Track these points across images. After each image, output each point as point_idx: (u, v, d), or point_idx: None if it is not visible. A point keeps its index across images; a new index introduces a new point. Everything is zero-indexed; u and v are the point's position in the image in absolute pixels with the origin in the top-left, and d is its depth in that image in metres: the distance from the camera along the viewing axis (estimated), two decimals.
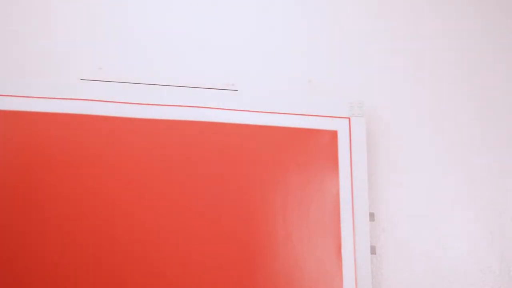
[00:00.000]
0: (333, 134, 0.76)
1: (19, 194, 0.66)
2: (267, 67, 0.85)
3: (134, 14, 0.85)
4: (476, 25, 0.94)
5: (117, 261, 0.66)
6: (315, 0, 0.91)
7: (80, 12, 0.83)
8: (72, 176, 0.68)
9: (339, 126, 0.77)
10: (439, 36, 0.92)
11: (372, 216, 0.76)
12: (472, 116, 0.87)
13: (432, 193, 0.82)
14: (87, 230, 0.67)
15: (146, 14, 0.85)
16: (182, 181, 0.71)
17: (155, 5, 0.86)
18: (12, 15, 0.81)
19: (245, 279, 0.67)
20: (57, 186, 0.68)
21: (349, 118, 0.77)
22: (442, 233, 0.80)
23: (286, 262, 0.69)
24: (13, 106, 0.70)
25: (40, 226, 0.66)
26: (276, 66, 0.86)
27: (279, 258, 0.69)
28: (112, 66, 0.81)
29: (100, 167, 0.69)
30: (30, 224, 0.65)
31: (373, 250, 0.73)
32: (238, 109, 0.76)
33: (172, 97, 0.75)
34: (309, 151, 0.75)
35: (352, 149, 0.76)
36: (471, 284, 0.77)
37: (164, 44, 0.84)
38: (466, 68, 0.91)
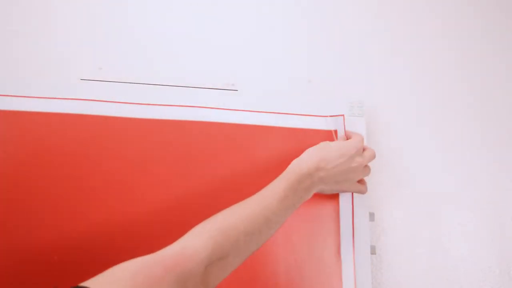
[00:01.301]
0: (333, 134, 0.76)
1: (19, 194, 0.66)
2: (267, 67, 0.85)
3: (134, 14, 0.85)
4: (476, 25, 0.94)
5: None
6: (315, 0, 0.91)
7: (80, 12, 0.83)
8: (72, 176, 0.68)
9: (339, 126, 0.77)
10: (439, 36, 0.92)
11: (372, 216, 0.76)
12: (472, 116, 0.87)
13: (432, 193, 0.82)
14: (88, 231, 0.67)
15: (146, 14, 0.85)
16: (182, 181, 0.71)
17: (155, 5, 0.86)
18: (12, 15, 0.81)
19: (245, 279, 0.67)
20: (57, 187, 0.68)
21: (343, 116, 0.77)
22: (442, 233, 0.80)
23: (286, 262, 0.69)
24: (13, 106, 0.70)
25: (40, 227, 0.66)
26: (276, 66, 0.86)
27: (279, 258, 0.69)
28: (112, 66, 0.81)
29: (100, 167, 0.69)
30: (30, 224, 0.65)
31: (373, 250, 0.73)
32: (238, 109, 0.76)
33: (172, 97, 0.75)
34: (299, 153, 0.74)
35: None
36: (471, 284, 0.77)
37: (164, 44, 0.84)
38: (466, 68, 0.91)
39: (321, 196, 0.71)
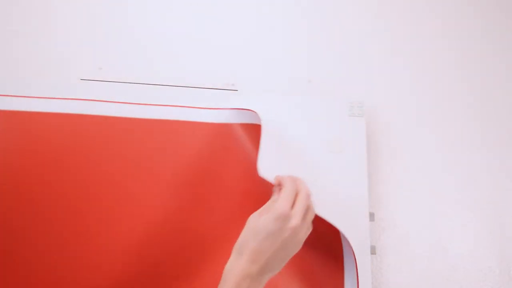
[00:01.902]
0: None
1: (19, 194, 0.66)
2: (267, 67, 0.85)
3: (134, 14, 0.85)
4: (476, 25, 0.94)
5: (118, 262, 0.66)
6: (315, 1, 0.91)
7: (80, 12, 0.83)
8: (71, 174, 0.68)
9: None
10: (439, 36, 0.92)
11: (372, 216, 0.76)
12: (473, 116, 0.88)
13: (432, 193, 0.82)
14: (88, 231, 0.67)
15: (146, 14, 0.85)
16: (183, 180, 0.71)
17: (155, 5, 0.86)
18: (12, 15, 0.81)
19: None
20: (57, 186, 0.67)
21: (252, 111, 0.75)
22: (442, 233, 0.80)
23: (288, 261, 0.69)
24: (13, 106, 0.70)
25: (40, 226, 0.66)
26: (276, 66, 0.86)
27: None
28: (112, 66, 0.81)
29: (100, 167, 0.69)
30: (30, 224, 0.65)
31: (373, 250, 0.73)
32: (238, 109, 0.76)
33: (172, 97, 0.75)
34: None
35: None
36: (471, 284, 0.77)
37: (164, 44, 0.84)
38: (466, 68, 0.91)
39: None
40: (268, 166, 0.63)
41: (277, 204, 0.53)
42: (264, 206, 0.55)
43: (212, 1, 0.88)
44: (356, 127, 0.77)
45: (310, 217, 0.55)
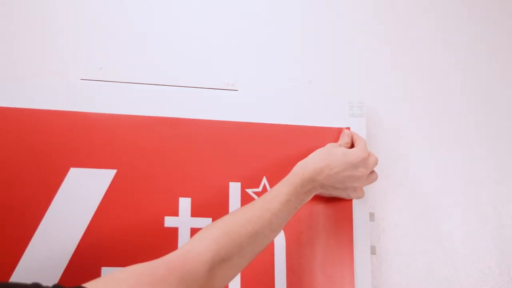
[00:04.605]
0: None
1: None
2: (267, 67, 0.85)
3: (134, 13, 0.85)
4: (475, 25, 0.94)
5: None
6: (316, 1, 0.91)
7: (80, 11, 0.83)
8: None
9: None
10: (440, 37, 0.92)
11: (372, 216, 0.76)
12: (473, 116, 0.88)
13: (432, 193, 0.82)
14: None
15: (146, 14, 0.85)
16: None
17: (155, 5, 0.86)
18: (12, 15, 0.81)
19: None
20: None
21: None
22: (442, 233, 0.80)
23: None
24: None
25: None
26: (276, 66, 0.86)
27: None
28: (112, 66, 0.81)
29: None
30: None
31: (373, 250, 0.73)
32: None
33: (172, 97, 0.75)
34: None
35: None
36: (471, 284, 0.77)
37: (164, 44, 0.84)
38: (466, 68, 0.91)
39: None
40: None
41: (359, 148, 0.70)
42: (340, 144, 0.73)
43: (213, 1, 0.88)
44: (356, 127, 0.77)
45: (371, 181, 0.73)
